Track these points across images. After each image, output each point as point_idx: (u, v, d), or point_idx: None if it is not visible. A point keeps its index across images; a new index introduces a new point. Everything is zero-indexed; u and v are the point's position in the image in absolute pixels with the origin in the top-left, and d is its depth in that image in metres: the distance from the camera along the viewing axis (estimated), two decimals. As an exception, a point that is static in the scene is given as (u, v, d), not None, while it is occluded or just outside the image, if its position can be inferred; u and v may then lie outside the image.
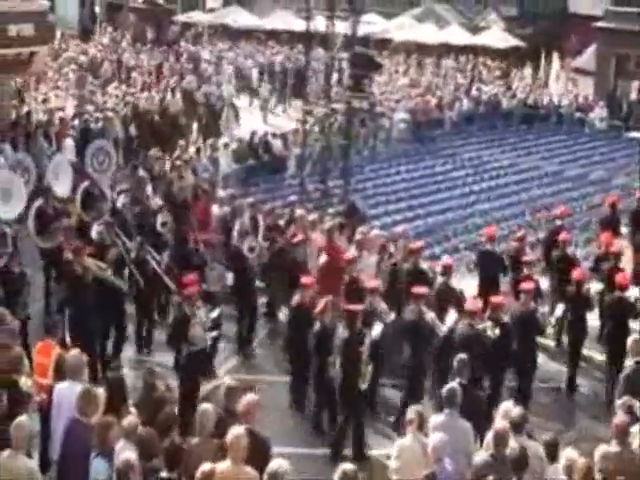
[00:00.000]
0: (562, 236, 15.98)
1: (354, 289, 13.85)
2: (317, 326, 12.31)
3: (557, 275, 15.57)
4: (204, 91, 30.35)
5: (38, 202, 15.39)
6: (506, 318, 12.71)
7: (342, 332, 11.92)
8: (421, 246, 15.79)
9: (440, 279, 14.34)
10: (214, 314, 12.93)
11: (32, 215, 15.15)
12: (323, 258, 14.94)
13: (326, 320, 12.32)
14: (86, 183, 16.60)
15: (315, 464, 11.16)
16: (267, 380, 13.58)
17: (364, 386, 11.88)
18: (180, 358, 12.15)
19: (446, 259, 15.40)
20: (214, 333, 13.14)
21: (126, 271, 14.28)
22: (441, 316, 13.11)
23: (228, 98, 30.51)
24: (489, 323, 12.38)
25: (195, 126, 28.30)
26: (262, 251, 15.69)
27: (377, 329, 12.38)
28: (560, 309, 14.88)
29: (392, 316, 13.30)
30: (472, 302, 12.81)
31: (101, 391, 9.06)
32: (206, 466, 7.90)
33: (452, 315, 13.11)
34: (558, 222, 17.47)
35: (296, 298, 13.13)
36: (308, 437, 12.29)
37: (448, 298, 13.68)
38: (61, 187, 16.61)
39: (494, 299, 12.94)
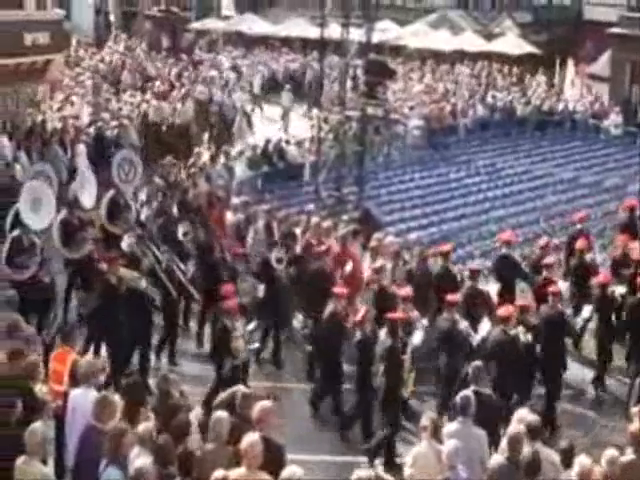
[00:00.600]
0: (579, 244, 15.90)
1: (383, 297, 13.76)
2: (358, 336, 12.24)
3: (575, 281, 15.55)
4: (216, 100, 30.24)
5: (63, 213, 15.34)
6: (534, 321, 12.76)
7: (385, 340, 11.88)
8: (451, 248, 15.87)
9: (468, 283, 14.36)
10: (251, 326, 12.88)
11: (57, 225, 15.10)
12: (349, 267, 14.90)
13: (367, 330, 12.26)
14: (111, 193, 16.55)
15: (332, 471, 11.21)
16: (285, 387, 13.56)
17: (406, 394, 11.99)
18: (223, 372, 11.91)
19: (474, 263, 15.40)
20: (256, 345, 13.19)
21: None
22: (470, 320, 13.17)
23: (241, 107, 30.41)
24: (521, 328, 12.39)
25: (207, 135, 28.20)
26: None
27: (418, 336, 12.47)
28: (587, 311, 14.80)
29: (424, 322, 13.30)
30: (505, 308, 12.77)
31: (117, 397, 9.07)
32: (219, 473, 7.90)
33: (485, 323, 13.25)
34: (578, 226, 17.47)
35: (329, 308, 12.98)
36: (326, 444, 12.28)
37: (476, 302, 13.74)
38: (87, 198, 16.55)
39: (522, 302, 13.02)
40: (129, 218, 16.35)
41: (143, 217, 16.87)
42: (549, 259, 15.33)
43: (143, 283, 13.33)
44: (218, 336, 12.17)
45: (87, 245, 15.12)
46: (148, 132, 25.16)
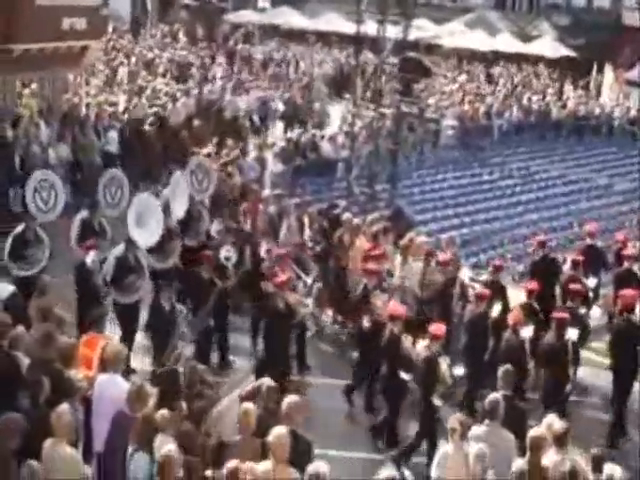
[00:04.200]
0: None
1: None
2: (512, 338, 12.24)
3: None
4: (224, 102, 28.33)
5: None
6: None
7: (549, 338, 12.16)
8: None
9: (570, 272, 14.70)
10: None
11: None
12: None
13: (519, 331, 12.32)
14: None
15: (360, 468, 11.25)
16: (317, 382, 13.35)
17: (569, 387, 12.21)
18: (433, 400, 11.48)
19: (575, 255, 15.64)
20: (461, 371, 12.74)
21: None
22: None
23: (245, 110, 28.70)
24: None
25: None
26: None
27: (573, 333, 12.45)
28: None
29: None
30: (630, 295, 12.99)
31: (150, 387, 9.06)
32: (232, 463, 7.90)
33: (595, 310, 14.14)
34: None
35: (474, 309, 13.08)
36: (358, 441, 12.28)
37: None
38: (179, 206, 15.44)
39: (628, 293, 13.11)
40: (200, 230, 15.66)
41: (213, 231, 15.82)
42: (631, 250, 15.58)
43: (308, 310, 12.96)
44: (428, 363, 11.54)
45: (175, 256, 14.51)
46: (130, 131, 23.08)
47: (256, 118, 29.11)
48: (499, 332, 12.69)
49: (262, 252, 14.79)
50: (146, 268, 13.45)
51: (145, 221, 13.98)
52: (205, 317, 12.82)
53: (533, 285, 13.61)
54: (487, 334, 12.89)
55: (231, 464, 7.86)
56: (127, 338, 12.83)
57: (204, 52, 37.11)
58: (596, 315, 14.30)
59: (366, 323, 12.89)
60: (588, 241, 16.42)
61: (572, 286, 13.57)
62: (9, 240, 13.57)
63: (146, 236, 13.85)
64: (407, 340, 12.26)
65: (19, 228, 13.70)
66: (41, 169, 16.35)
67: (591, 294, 15.06)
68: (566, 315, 12.41)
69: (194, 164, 16.77)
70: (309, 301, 13.94)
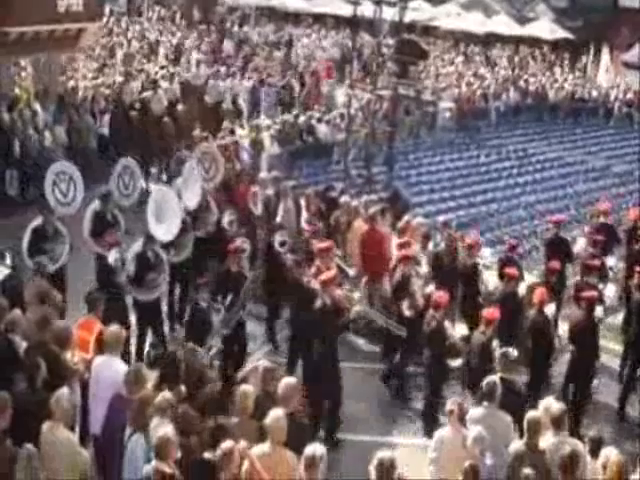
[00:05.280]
0: None
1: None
2: (537, 317, 12.26)
3: None
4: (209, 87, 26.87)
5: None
6: None
7: (577, 317, 12.29)
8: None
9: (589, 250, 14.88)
10: None
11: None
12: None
13: (543, 310, 12.41)
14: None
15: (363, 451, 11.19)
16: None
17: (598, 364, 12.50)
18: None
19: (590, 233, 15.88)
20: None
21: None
22: None
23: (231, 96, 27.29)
24: None
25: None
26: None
27: (600, 310, 12.66)
28: None
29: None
30: None
31: (147, 370, 9.07)
32: (227, 443, 7.86)
33: (610, 288, 14.32)
34: None
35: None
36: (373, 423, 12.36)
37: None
38: (191, 197, 14.77)
39: None
40: (209, 221, 15.15)
41: (225, 222, 15.19)
42: None
43: (363, 309, 12.88)
44: (483, 349, 11.52)
45: (189, 249, 14.17)
46: (121, 116, 22.46)
47: (242, 102, 28.09)
48: (524, 311, 12.75)
49: (276, 244, 14.43)
50: (166, 263, 13.14)
51: (164, 215, 13.49)
52: (237, 311, 12.54)
53: (555, 264, 13.67)
54: (519, 313, 12.78)
55: (226, 444, 7.84)
56: (150, 333, 12.79)
57: (197, 34, 36.98)
58: (611, 293, 14.40)
59: (407, 311, 12.76)
60: (602, 219, 16.45)
61: (589, 262, 13.75)
62: (27, 234, 13.13)
63: (165, 230, 13.43)
64: (450, 327, 12.25)
65: (37, 222, 13.30)
66: (58, 160, 16.15)
67: (611, 274, 15.17)
68: (596, 294, 12.49)
69: (200, 152, 16.47)
70: (356, 295, 13.54)
